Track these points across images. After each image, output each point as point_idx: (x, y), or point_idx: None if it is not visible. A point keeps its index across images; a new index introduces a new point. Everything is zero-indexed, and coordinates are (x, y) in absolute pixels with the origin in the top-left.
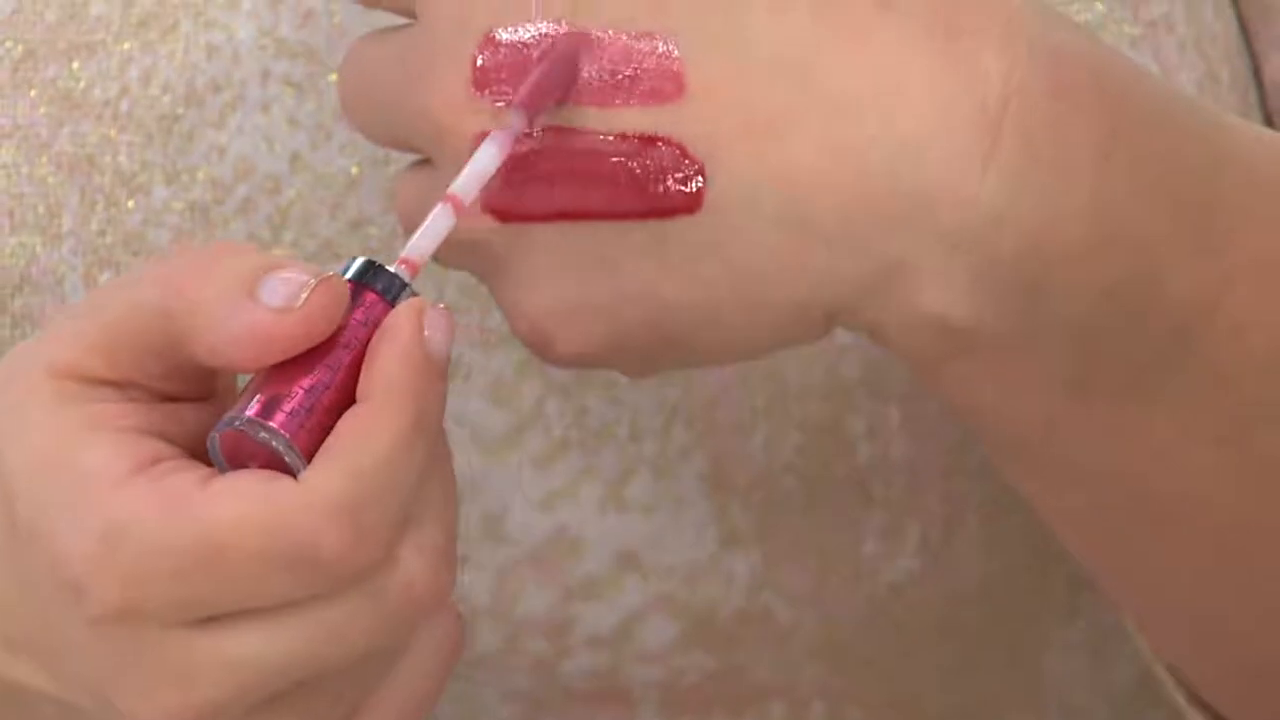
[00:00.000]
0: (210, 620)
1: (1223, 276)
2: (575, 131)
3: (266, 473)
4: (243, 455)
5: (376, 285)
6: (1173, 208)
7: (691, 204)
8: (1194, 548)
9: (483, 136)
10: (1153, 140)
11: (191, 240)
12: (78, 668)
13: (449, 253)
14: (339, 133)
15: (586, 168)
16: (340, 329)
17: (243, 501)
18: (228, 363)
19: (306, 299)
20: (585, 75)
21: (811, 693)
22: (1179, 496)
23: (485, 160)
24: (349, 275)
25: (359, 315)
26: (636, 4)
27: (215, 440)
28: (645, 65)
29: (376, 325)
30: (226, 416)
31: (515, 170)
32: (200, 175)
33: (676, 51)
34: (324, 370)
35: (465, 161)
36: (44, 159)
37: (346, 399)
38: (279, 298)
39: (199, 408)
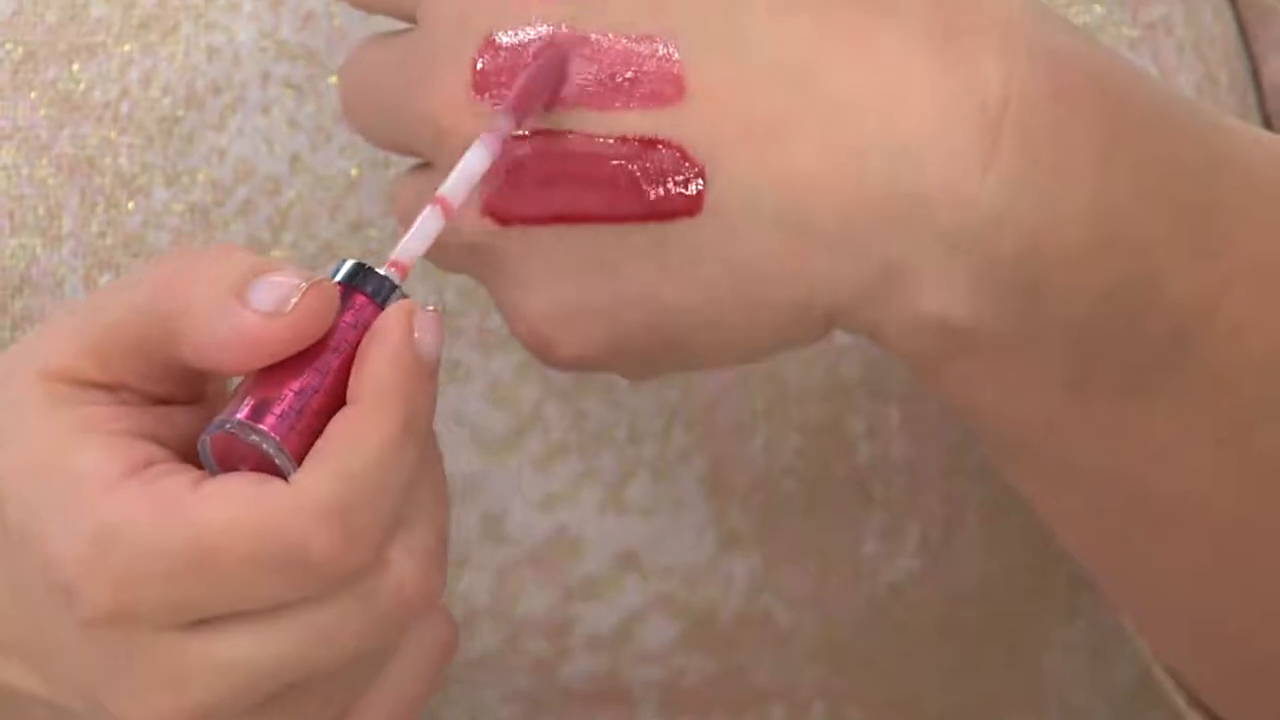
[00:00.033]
0: (202, 623)
1: (1221, 278)
2: (575, 134)
3: (257, 475)
4: (233, 458)
5: (366, 288)
6: (1172, 210)
7: (692, 207)
8: (1193, 549)
9: None
10: (1152, 143)
11: (191, 242)
12: (69, 670)
13: (449, 255)
14: (339, 135)
15: (586, 171)
16: (330, 331)
17: (233, 504)
18: (217, 366)
19: (297, 303)
20: (585, 77)
21: (812, 694)
22: (1178, 497)
23: (474, 162)
24: (338, 278)
25: (349, 318)
26: (637, 7)
27: (206, 443)
28: (645, 68)
29: (366, 328)
30: (217, 419)
31: (515, 173)
32: (200, 177)
33: (677, 54)
34: (314, 373)
35: None
36: (44, 161)
37: (336, 401)
38: (269, 302)
39: (190, 410)
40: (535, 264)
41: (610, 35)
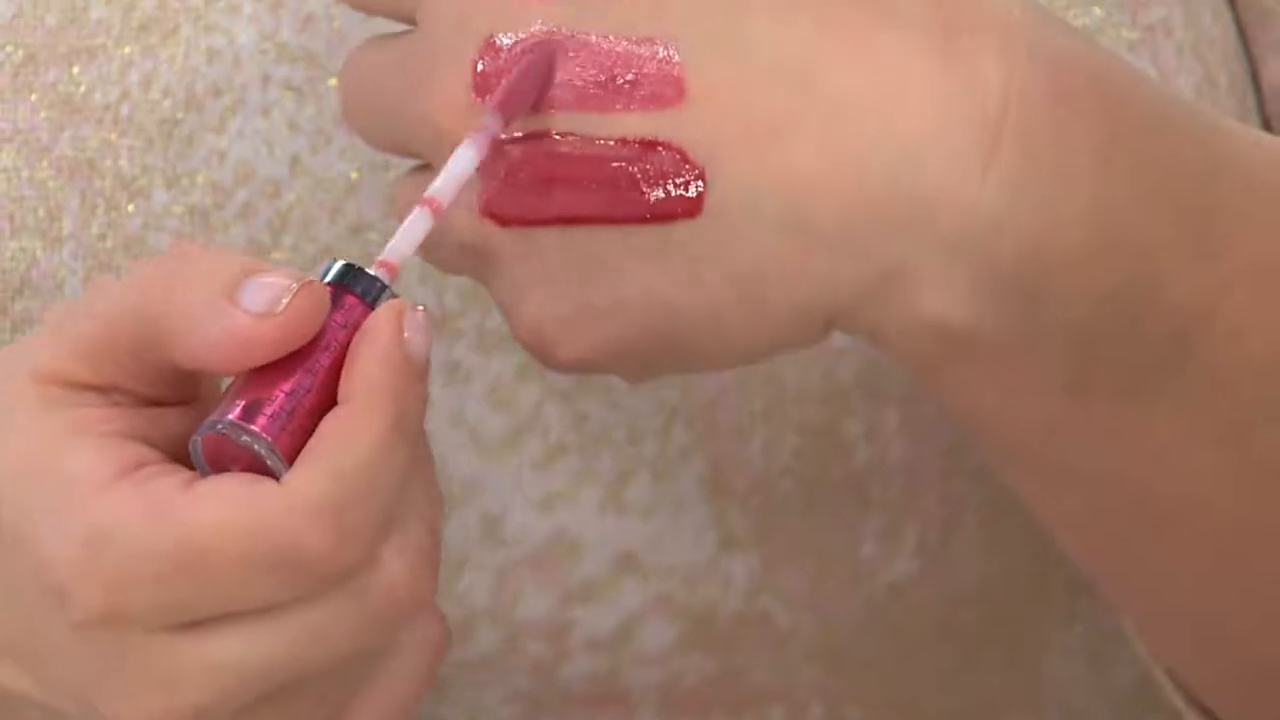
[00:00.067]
0: (194, 624)
1: (1221, 281)
2: (576, 136)
3: (249, 476)
4: (225, 459)
5: (356, 288)
6: (1172, 213)
7: (692, 209)
8: (1193, 551)
9: None
10: (1152, 145)
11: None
12: (62, 672)
13: (450, 257)
14: (339, 137)
15: (587, 173)
16: (320, 332)
17: (225, 505)
18: (208, 367)
19: (288, 304)
20: (586, 79)
21: (810, 695)
22: (1178, 499)
23: (462, 163)
24: (328, 278)
25: (339, 318)
26: (637, 9)
27: (197, 444)
28: (646, 70)
29: (356, 328)
30: (208, 420)
31: (515, 175)
32: (200, 179)
33: (677, 56)
34: (304, 373)
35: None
36: (44, 163)
37: (327, 401)
38: (260, 303)
39: (182, 412)
40: (535, 266)
41: (611, 37)
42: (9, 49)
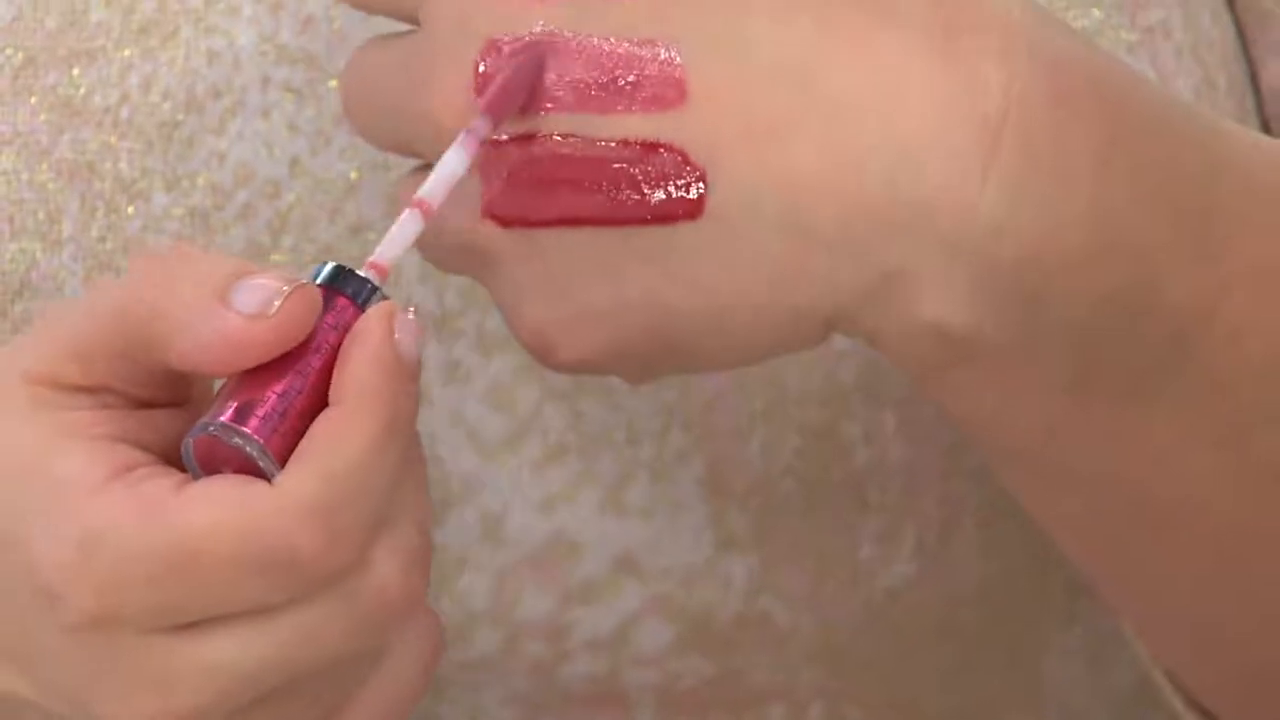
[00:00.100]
0: (187, 626)
1: (1220, 283)
2: (577, 138)
3: (240, 477)
4: (217, 461)
5: (346, 290)
6: (1171, 215)
7: (693, 210)
8: (1193, 553)
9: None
10: (1151, 147)
11: (191, 246)
12: (55, 675)
13: (450, 258)
14: (339, 138)
15: (588, 174)
16: (312, 334)
17: (217, 507)
18: (199, 368)
19: (280, 306)
20: (587, 81)
21: (810, 695)
22: (1177, 501)
23: (451, 165)
24: (319, 280)
25: (330, 320)
26: (638, 10)
27: (189, 446)
28: (647, 72)
29: (347, 329)
30: (200, 422)
31: (516, 176)
32: (200, 181)
33: (678, 58)
34: (296, 375)
35: None
36: (44, 165)
37: (319, 403)
38: (252, 304)
39: (174, 414)
40: (536, 267)
41: (612, 39)
42: (9, 52)
